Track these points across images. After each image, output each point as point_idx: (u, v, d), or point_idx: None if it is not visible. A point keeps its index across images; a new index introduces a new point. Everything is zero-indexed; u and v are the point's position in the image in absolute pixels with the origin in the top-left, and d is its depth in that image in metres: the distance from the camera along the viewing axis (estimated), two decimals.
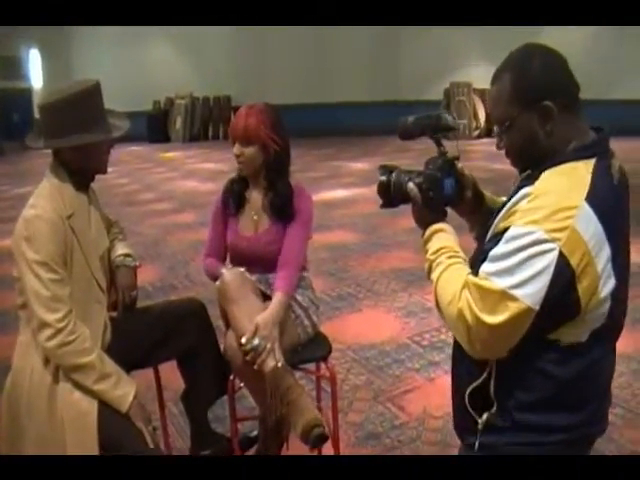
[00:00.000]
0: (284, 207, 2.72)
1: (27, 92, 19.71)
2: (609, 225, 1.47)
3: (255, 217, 2.78)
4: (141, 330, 2.56)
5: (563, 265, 1.42)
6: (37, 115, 2.38)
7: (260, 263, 2.73)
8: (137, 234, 7.73)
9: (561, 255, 1.42)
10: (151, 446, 2.25)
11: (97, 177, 2.45)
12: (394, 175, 1.83)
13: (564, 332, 1.53)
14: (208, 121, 20.21)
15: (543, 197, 1.47)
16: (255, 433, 2.93)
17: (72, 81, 2.40)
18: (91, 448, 2.20)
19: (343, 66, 18.80)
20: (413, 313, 4.92)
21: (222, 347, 2.65)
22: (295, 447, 2.70)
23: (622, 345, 4.16)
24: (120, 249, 2.66)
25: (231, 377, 2.64)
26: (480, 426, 1.63)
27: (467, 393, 1.64)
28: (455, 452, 3.13)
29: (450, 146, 1.84)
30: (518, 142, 1.60)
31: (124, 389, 2.27)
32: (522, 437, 1.60)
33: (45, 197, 2.26)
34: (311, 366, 2.91)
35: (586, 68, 15.73)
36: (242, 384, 2.73)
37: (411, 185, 1.76)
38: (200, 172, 13.16)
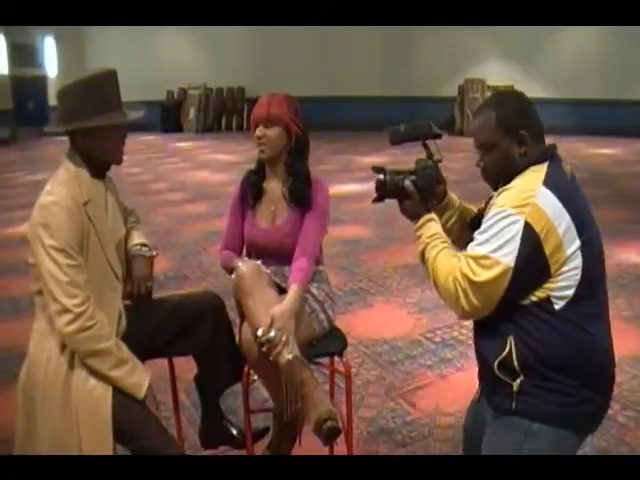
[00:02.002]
0: (303, 192, 2.72)
1: (42, 80, 19.70)
2: (567, 201, 1.87)
3: (272, 208, 2.77)
4: (157, 322, 2.55)
5: (529, 232, 1.82)
6: (55, 103, 2.38)
7: (276, 255, 2.73)
8: (149, 224, 7.73)
9: (526, 224, 1.82)
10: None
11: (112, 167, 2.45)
12: (388, 175, 2.18)
13: (552, 293, 1.87)
14: (221, 112, 20.18)
15: (508, 190, 1.92)
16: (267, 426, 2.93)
17: (89, 69, 2.40)
18: (105, 435, 2.19)
19: (357, 60, 18.75)
20: (426, 309, 4.91)
21: (237, 339, 2.65)
22: (307, 442, 2.69)
23: (635, 348, 4.20)
24: (137, 238, 2.65)
25: (246, 369, 2.64)
26: (515, 388, 1.90)
27: (495, 366, 1.91)
28: None
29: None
30: (498, 161, 2.01)
31: (140, 376, 2.27)
32: (552, 397, 1.88)
33: (62, 184, 2.26)
34: (325, 360, 2.91)
35: (605, 69, 15.63)
36: (256, 377, 2.73)
37: (407, 183, 2.15)
38: (213, 163, 13.16)
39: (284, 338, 2.45)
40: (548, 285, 1.87)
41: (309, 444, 2.70)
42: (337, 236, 6.82)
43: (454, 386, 3.75)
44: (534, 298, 1.88)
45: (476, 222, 2.09)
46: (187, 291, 5.36)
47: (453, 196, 2.29)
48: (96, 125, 2.26)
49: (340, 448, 2.78)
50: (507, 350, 1.89)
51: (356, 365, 3.96)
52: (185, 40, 19.80)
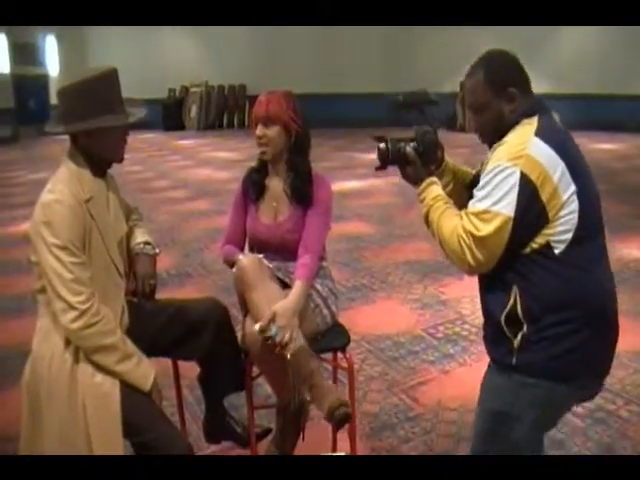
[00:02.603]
0: (304, 189, 2.72)
1: (43, 78, 19.70)
2: (560, 148, 1.94)
3: (275, 204, 2.78)
4: (159, 325, 2.54)
5: (525, 181, 1.89)
6: (56, 101, 2.37)
7: (279, 251, 2.73)
8: (152, 221, 7.73)
9: (522, 175, 1.89)
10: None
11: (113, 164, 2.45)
12: (390, 143, 2.23)
13: (552, 238, 1.93)
14: (223, 110, 20.19)
15: (501, 146, 1.98)
16: (271, 425, 2.94)
17: (90, 67, 2.40)
18: (114, 429, 2.20)
19: (359, 57, 18.76)
20: (428, 305, 4.92)
21: (239, 334, 2.65)
22: (311, 436, 2.71)
23: (637, 342, 4.19)
24: (140, 236, 2.65)
25: (248, 365, 2.64)
26: (516, 345, 1.98)
27: (502, 319, 1.99)
28: (469, 446, 3.15)
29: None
30: (490, 120, 2.07)
31: (146, 369, 2.29)
32: (552, 350, 1.94)
33: (63, 182, 2.26)
34: (328, 356, 2.92)
35: (607, 63, 15.57)
36: (259, 373, 2.73)
37: (409, 149, 2.21)
38: (214, 160, 13.17)
39: (287, 336, 2.44)
40: (547, 231, 1.93)
41: (312, 438, 2.72)
42: (340, 233, 6.83)
43: (457, 381, 3.76)
44: (535, 245, 1.94)
45: (475, 184, 2.14)
46: (190, 288, 5.41)
47: (450, 161, 2.36)
48: (97, 127, 2.27)
49: (343, 443, 2.79)
50: (512, 301, 1.97)
51: (359, 361, 3.97)
52: (187, 38, 19.81)
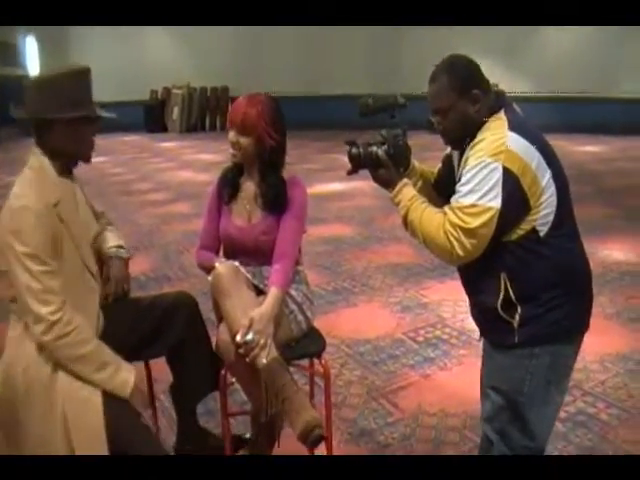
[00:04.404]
0: (276, 199, 2.68)
1: (23, 80, 19.44)
2: (532, 138, 2.05)
3: (248, 207, 2.73)
4: (131, 321, 2.52)
5: (508, 174, 1.98)
6: (25, 95, 2.31)
7: (253, 254, 2.69)
8: (132, 224, 7.67)
9: (505, 168, 1.98)
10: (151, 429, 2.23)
11: (92, 166, 2.40)
12: (361, 148, 2.27)
13: (537, 222, 2.04)
14: (205, 112, 20.11)
15: (479, 143, 2.06)
16: (248, 435, 2.88)
17: (64, 65, 2.35)
18: (97, 435, 2.16)
19: (343, 58, 18.72)
20: (408, 308, 4.88)
21: (214, 341, 2.60)
22: (286, 444, 2.66)
23: (618, 345, 4.19)
24: (112, 240, 2.62)
25: (223, 372, 2.59)
26: (515, 324, 2.09)
27: (499, 306, 2.09)
28: (449, 451, 3.13)
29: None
30: (456, 122, 2.14)
31: (124, 375, 2.24)
32: (549, 317, 2.08)
33: (30, 186, 2.21)
34: (305, 362, 2.87)
35: (589, 65, 15.60)
36: (234, 379, 2.69)
37: (381, 152, 2.25)
38: (196, 163, 13.09)
39: (262, 341, 2.41)
40: (532, 217, 2.04)
41: (288, 446, 2.67)
42: (320, 235, 6.79)
43: (437, 386, 3.72)
44: (521, 232, 2.05)
45: (439, 183, 2.38)
46: (168, 291, 5.34)
47: (415, 162, 2.43)
48: (64, 117, 2.22)
49: (320, 450, 2.74)
50: (503, 288, 2.08)
51: (338, 365, 3.93)
52: (169, 40, 19.73)
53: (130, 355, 2.54)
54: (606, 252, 6.10)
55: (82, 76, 2.30)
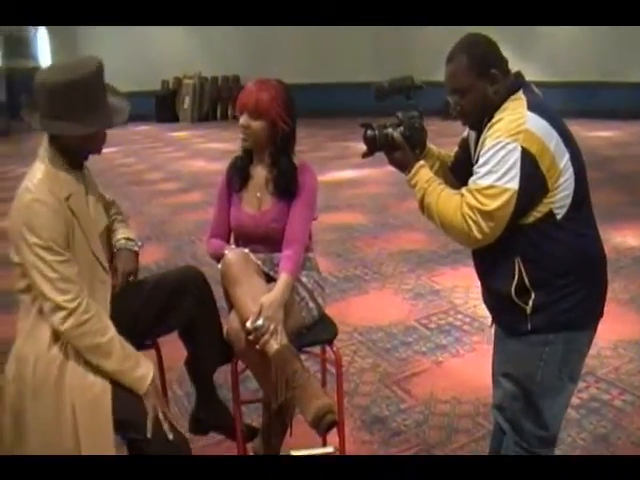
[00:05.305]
0: (287, 185, 2.66)
1: (35, 72, 19.39)
2: (551, 118, 2.02)
3: (258, 194, 2.72)
4: (140, 302, 2.50)
5: (526, 155, 1.95)
6: (36, 98, 2.24)
7: (264, 242, 2.68)
8: (144, 214, 7.68)
9: (523, 149, 1.95)
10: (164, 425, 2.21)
11: (103, 157, 2.39)
12: (377, 129, 2.24)
13: (554, 205, 2.02)
14: (217, 101, 20.07)
15: (497, 123, 2.03)
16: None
17: (74, 60, 2.32)
18: (105, 434, 2.15)
19: (352, 46, 18.63)
20: (421, 295, 4.87)
21: (225, 329, 2.60)
22: (298, 431, 2.66)
23: (632, 331, 4.17)
24: (122, 232, 2.62)
25: (234, 360, 2.59)
26: (529, 311, 2.07)
27: (512, 292, 2.07)
28: (462, 438, 3.13)
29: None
30: (475, 103, 2.10)
31: (142, 372, 2.23)
32: (564, 304, 2.06)
33: (41, 180, 2.20)
34: (317, 349, 2.87)
35: (601, 50, 15.40)
36: (245, 367, 2.68)
37: (396, 134, 2.21)
38: (208, 152, 13.07)
39: (272, 327, 2.40)
40: (549, 199, 2.01)
41: (300, 434, 2.67)
42: (332, 223, 6.78)
43: (449, 372, 3.72)
44: (537, 214, 2.03)
45: (456, 166, 2.34)
46: None
47: (431, 145, 2.40)
48: (78, 135, 2.19)
49: (332, 438, 2.74)
50: (517, 273, 2.06)
51: (350, 353, 3.93)
52: (179, 30, 19.63)
53: (141, 337, 2.55)
54: (620, 238, 6.06)
55: (98, 75, 2.23)
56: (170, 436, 2.20)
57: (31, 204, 2.15)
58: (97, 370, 2.19)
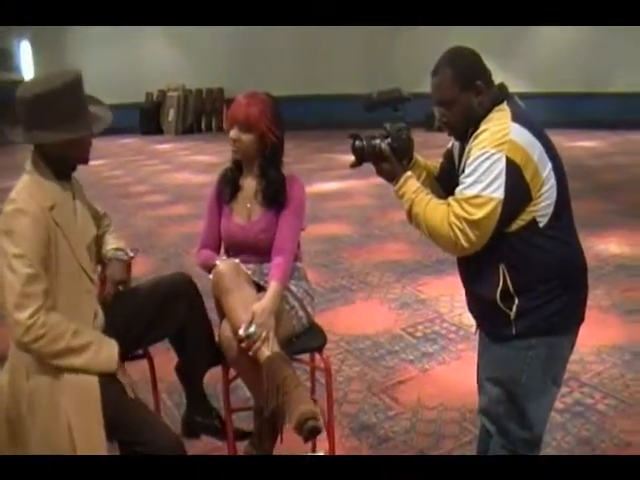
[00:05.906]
0: (276, 195, 2.72)
1: (18, 84, 19.42)
2: (534, 129, 2.08)
3: (248, 205, 2.77)
4: (132, 310, 2.54)
5: (510, 165, 2.00)
6: (17, 111, 2.28)
7: (254, 252, 2.73)
8: (130, 226, 7.72)
9: (508, 159, 2.00)
10: (131, 396, 2.28)
11: (90, 170, 2.42)
12: (364, 141, 2.27)
13: (537, 213, 2.07)
14: (201, 113, 20.10)
15: (482, 134, 2.07)
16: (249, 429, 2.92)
17: (53, 72, 2.34)
18: (95, 422, 2.19)
19: (338, 58, 18.70)
20: (407, 304, 4.93)
21: (217, 338, 2.64)
22: (289, 439, 2.70)
23: (614, 337, 4.24)
24: (112, 243, 2.66)
25: (225, 368, 2.63)
26: (512, 316, 2.12)
27: (498, 298, 2.12)
28: (449, 444, 3.17)
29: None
30: (460, 114, 2.15)
31: (106, 352, 2.28)
32: (547, 310, 2.12)
33: (25, 190, 2.23)
34: (306, 357, 2.91)
35: (583, 61, 15.51)
36: (237, 375, 2.72)
37: (384, 145, 2.24)
38: (193, 164, 13.10)
39: (264, 334, 2.46)
40: (532, 208, 2.06)
41: (291, 441, 2.71)
42: (318, 234, 6.83)
43: (436, 380, 3.77)
44: (521, 222, 2.08)
45: (442, 176, 2.40)
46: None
47: (418, 156, 2.44)
48: (59, 141, 2.23)
49: (322, 444, 2.79)
50: (502, 279, 2.11)
51: (338, 362, 3.97)
52: (164, 42, 19.71)
53: (133, 344, 2.59)
54: (602, 246, 6.15)
55: (77, 85, 2.28)
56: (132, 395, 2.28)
57: (13, 213, 2.18)
58: (83, 370, 2.22)
